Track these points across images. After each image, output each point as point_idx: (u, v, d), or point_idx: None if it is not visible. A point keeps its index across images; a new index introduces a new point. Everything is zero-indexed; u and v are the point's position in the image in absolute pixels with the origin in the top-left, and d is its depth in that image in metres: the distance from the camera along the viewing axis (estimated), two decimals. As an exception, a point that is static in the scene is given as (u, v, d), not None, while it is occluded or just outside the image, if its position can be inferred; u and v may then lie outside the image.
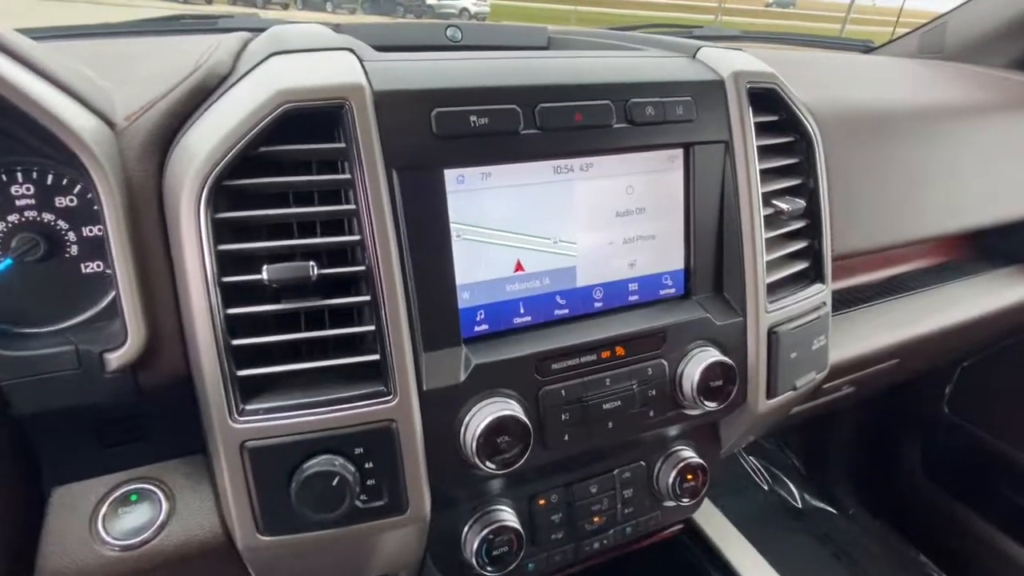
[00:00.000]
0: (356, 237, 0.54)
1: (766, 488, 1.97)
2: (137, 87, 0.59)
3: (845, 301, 1.06)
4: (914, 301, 1.08)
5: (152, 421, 0.61)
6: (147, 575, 0.58)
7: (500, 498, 0.69)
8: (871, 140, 0.96)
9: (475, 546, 0.65)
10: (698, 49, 0.73)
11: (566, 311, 0.66)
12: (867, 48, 1.61)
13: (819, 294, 0.79)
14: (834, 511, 1.90)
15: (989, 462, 1.60)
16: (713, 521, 0.90)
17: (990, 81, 1.25)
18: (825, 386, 1.03)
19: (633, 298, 0.70)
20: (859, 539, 1.80)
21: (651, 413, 0.68)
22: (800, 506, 1.91)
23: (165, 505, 0.61)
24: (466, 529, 0.66)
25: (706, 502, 0.93)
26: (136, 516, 0.60)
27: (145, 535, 0.59)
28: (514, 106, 0.58)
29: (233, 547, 0.59)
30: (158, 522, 0.60)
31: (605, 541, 0.75)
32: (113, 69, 0.67)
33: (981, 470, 1.65)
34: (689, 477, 0.75)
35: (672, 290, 0.72)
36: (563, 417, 0.63)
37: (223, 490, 0.55)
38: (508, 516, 0.67)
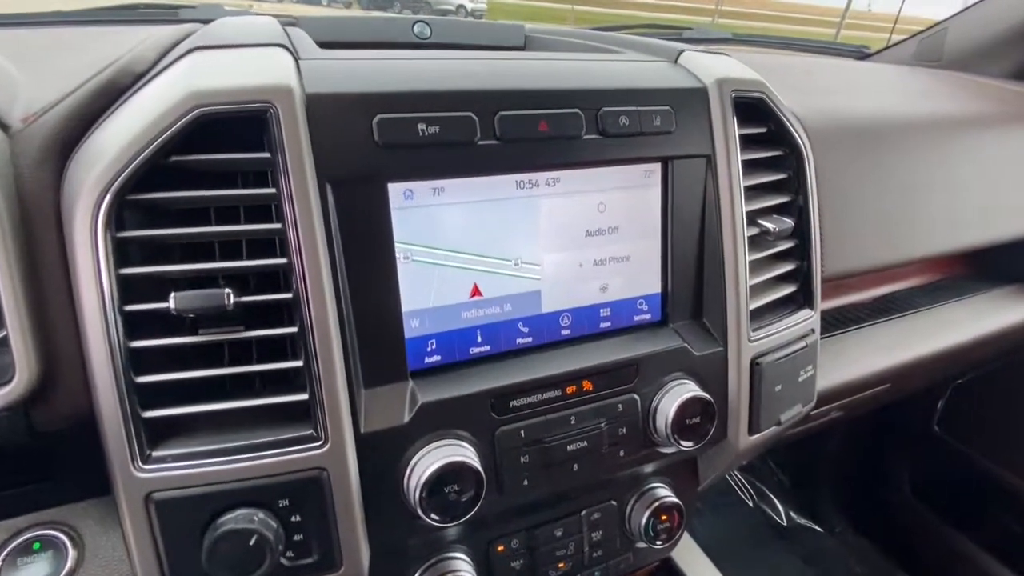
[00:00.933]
0: (282, 260, 0.47)
1: (751, 504, 1.92)
2: (51, 83, 0.52)
3: (834, 321, 1.00)
4: (907, 323, 1.02)
5: (59, 458, 0.54)
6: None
7: (455, 545, 0.63)
8: (865, 153, 0.91)
9: (423, 601, 0.58)
10: (680, 53, 0.67)
11: (530, 340, 0.60)
12: (862, 54, 1.56)
13: (807, 320, 0.73)
14: (820, 529, 1.85)
15: (980, 483, 1.56)
16: (690, 558, 0.84)
17: (990, 91, 1.20)
18: (813, 412, 0.97)
19: (605, 324, 0.64)
20: (844, 559, 1.76)
21: (621, 453, 0.62)
22: (785, 523, 1.87)
23: (72, 553, 0.54)
24: (415, 580, 0.60)
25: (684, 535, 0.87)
26: (38, 568, 0.53)
27: (47, 589, 0.52)
28: (470, 113, 0.52)
29: None
30: (64, 573, 0.53)
31: (570, 587, 0.69)
32: (39, 61, 0.61)
33: (972, 491, 1.60)
34: (664, 517, 0.69)
35: (647, 316, 0.65)
36: (522, 460, 0.57)
37: (128, 546, 0.48)
38: (463, 566, 0.61)
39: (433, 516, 0.51)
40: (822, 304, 1.03)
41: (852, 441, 1.81)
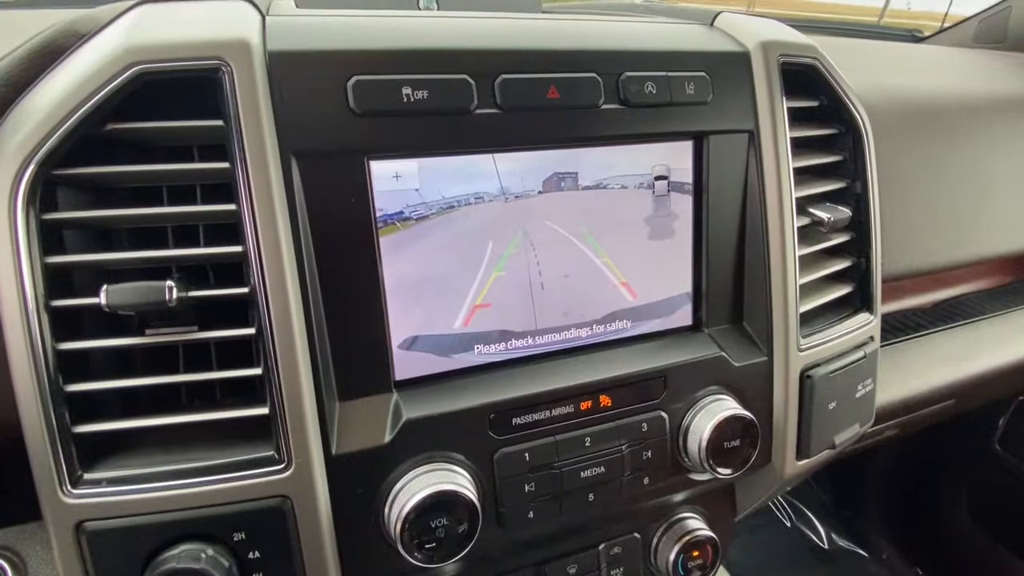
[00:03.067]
0: (236, 248, 0.39)
1: (788, 525, 1.79)
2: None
3: (891, 329, 0.89)
4: (974, 331, 0.91)
5: (5, 476, 0.48)
6: None
7: (451, 580, 0.54)
8: (930, 137, 0.80)
9: (413, 647, 0.50)
10: (717, 15, 0.58)
11: (536, 347, 0.52)
12: (915, 37, 1.44)
13: (866, 326, 0.63)
14: (865, 554, 1.71)
15: (1047, 509, 1.40)
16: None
17: (1066, 72, 1.07)
18: (869, 431, 0.86)
19: (627, 331, 0.54)
20: (892, 588, 1.61)
21: (646, 481, 0.53)
22: (827, 547, 1.73)
23: (12, 583, 0.47)
24: (402, 623, 0.52)
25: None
26: (-29, 599, 0.47)
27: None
28: (464, 76, 0.43)
29: None
30: (-2, 610, 0.46)
31: (587, 633, 0.60)
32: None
33: (1037, 517, 1.45)
34: (696, 553, 0.60)
35: (678, 321, 0.56)
36: (527, 489, 0.48)
37: (61, 582, 0.41)
38: (458, 607, 0.53)
39: (416, 555, 0.43)
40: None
41: (902, 458, 1.66)
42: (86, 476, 0.39)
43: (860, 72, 0.82)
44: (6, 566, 0.48)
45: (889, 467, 1.69)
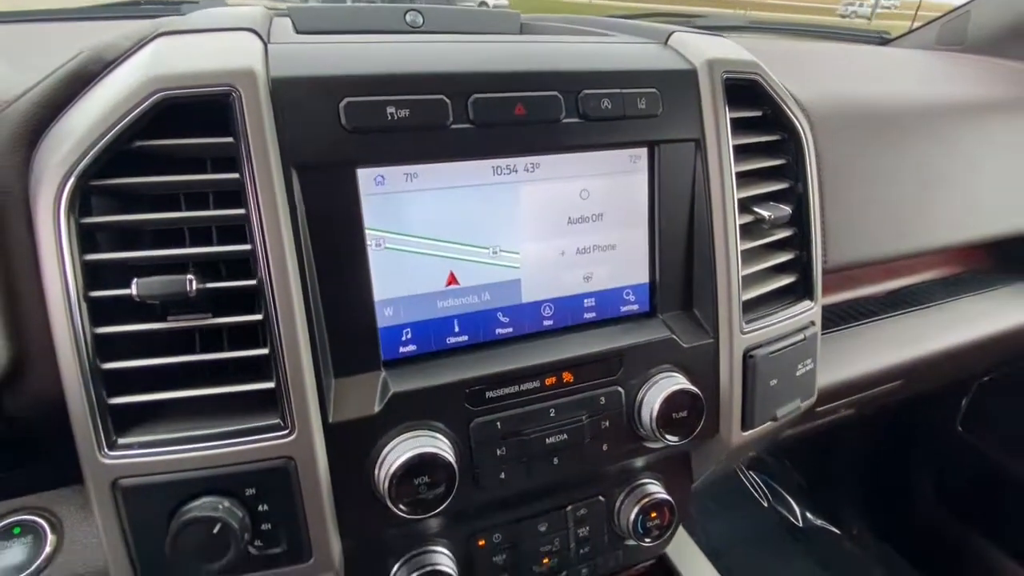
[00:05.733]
0: (246, 246, 0.46)
1: (765, 505, 1.88)
2: (30, 73, 0.52)
3: (845, 315, 0.96)
4: (921, 317, 0.98)
5: (40, 445, 0.55)
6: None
7: (435, 538, 0.62)
8: (877, 139, 0.87)
9: (401, 593, 0.57)
10: (671, 34, 0.65)
11: (510, 330, 0.59)
12: (882, 40, 1.50)
13: (806, 312, 0.70)
14: (837, 531, 1.80)
15: (1007, 487, 1.49)
16: (689, 558, 0.81)
17: (1015, 75, 1.14)
18: (819, 409, 0.94)
19: (590, 315, 0.62)
20: (863, 563, 1.70)
21: (605, 447, 0.60)
22: (801, 525, 1.82)
23: (51, 538, 0.54)
24: (392, 574, 0.59)
25: (681, 533, 0.84)
26: (16, 552, 0.54)
27: (26, 573, 0.52)
28: (442, 96, 0.50)
29: None
30: (42, 557, 0.53)
31: (556, 584, 0.67)
32: (25, 54, 0.61)
33: (998, 495, 1.53)
34: (653, 515, 0.67)
35: (635, 307, 0.63)
36: (498, 453, 0.55)
37: (99, 531, 0.48)
38: (443, 560, 0.60)
39: (402, 507, 0.50)
40: (831, 297, 1.00)
41: (871, 440, 1.75)
42: (120, 441, 0.46)
43: (814, 81, 0.90)
44: (44, 524, 0.55)
45: (859, 449, 1.78)
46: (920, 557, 1.66)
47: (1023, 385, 1.42)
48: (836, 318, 0.95)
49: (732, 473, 1.95)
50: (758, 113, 0.66)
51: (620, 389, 0.59)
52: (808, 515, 1.83)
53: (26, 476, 0.56)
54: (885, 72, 1.11)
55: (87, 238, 0.45)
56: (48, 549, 0.54)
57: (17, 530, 0.54)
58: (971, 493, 1.58)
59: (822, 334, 0.90)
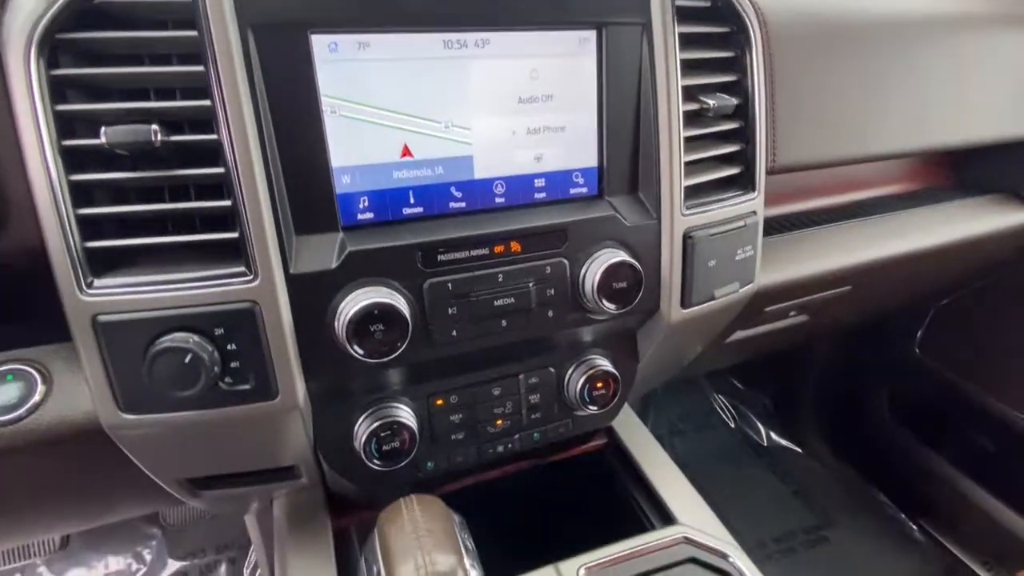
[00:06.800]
0: (205, 102, 0.50)
1: (732, 426, 1.98)
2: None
3: (797, 224, 1.01)
4: (872, 224, 1.03)
5: (29, 301, 0.60)
6: (17, 454, 0.57)
7: (397, 395, 0.68)
8: (831, 46, 0.89)
9: (363, 439, 0.64)
10: (623, -80, 0.66)
11: (463, 205, 0.63)
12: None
13: (748, 202, 0.74)
14: (799, 450, 1.90)
15: (957, 404, 1.58)
16: (634, 434, 0.88)
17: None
18: (768, 309, 0.99)
19: (540, 195, 0.66)
20: (821, 479, 1.81)
21: (550, 314, 0.65)
22: (766, 444, 1.92)
23: (40, 387, 0.59)
24: (357, 423, 0.65)
25: (631, 416, 0.91)
26: (8, 393, 0.59)
27: (17, 413, 0.58)
28: None
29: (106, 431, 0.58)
30: (31, 402, 0.59)
31: (510, 445, 0.74)
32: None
33: (948, 412, 1.63)
34: (599, 385, 0.73)
35: (584, 189, 0.68)
36: (450, 312, 0.61)
37: (83, 366, 0.53)
38: (403, 413, 0.66)
39: (359, 350, 0.55)
40: (785, 207, 1.05)
41: (834, 365, 1.83)
42: (97, 282, 0.51)
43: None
44: (35, 373, 0.60)
45: (822, 374, 1.86)
46: (874, 470, 1.77)
47: (978, 310, 1.49)
48: (789, 225, 1.00)
49: (702, 395, 2.04)
50: (706, 4, 0.69)
51: (565, 261, 0.64)
52: (772, 435, 1.93)
53: (17, 331, 0.60)
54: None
55: (58, 91, 0.48)
56: (37, 398, 0.60)
57: (10, 377, 0.60)
58: (926, 412, 1.68)
59: (771, 237, 0.95)
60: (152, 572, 1.41)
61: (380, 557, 0.46)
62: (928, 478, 1.64)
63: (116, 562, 1.42)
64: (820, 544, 1.59)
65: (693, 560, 0.71)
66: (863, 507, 1.71)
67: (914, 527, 1.64)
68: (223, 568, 1.42)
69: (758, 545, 1.57)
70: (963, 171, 1.22)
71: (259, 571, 1.41)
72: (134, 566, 1.42)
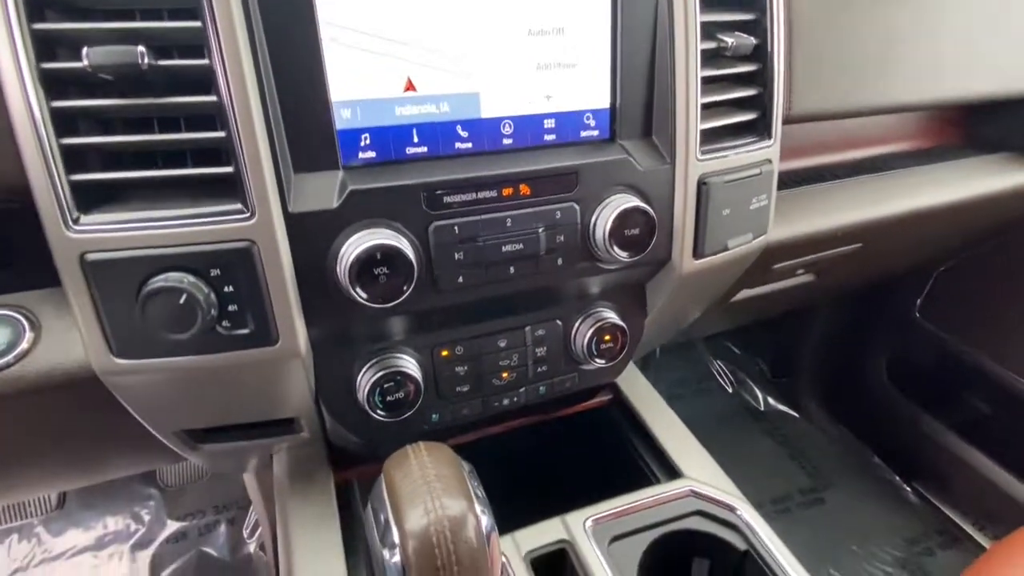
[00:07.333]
0: (196, 23, 0.46)
1: (730, 391, 1.99)
2: None
3: (808, 179, 0.98)
4: (883, 180, 1.00)
5: (17, 247, 0.57)
6: (5, 403, 0.55)
7: (401, 346, 0.66)
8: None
9: (367, 390, 0.62)
10: None
11: (469, 145, 0.60)
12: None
13: (764, 149, 0.71)
14: (796, 415, 1.91)
15: (954, 368, 1.58)
16: (639, 391, 0.87)
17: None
18: (776, 267, 0.98)
19: (550, 137, 0.63)
20: (817, 442, 1.83)
21: (560, 261, 0.63)
22: (763, 408, 1.93)
23: (28, 334, 0.57)
24: (360, 373, 0.63)
25: (636, 373, 0.90)
26: (-2, 338, 0.57)
27: (4, 360, 0.55)
28: None
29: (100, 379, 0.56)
30: (19, 349, 0.56)
31: (516, 398, 0.72)
32: None
33: (946, 377, 1.63)
34: (607, 338, 0.71)
35: (595, 132, 0.64)
36: (456, 257, 0.58)
37: (72, 309, 0.51)
38: (407, 363, 0.64)
39: (361, 292, 0.53)
40: (797, 162, 1.02)
41: (833, 330, 1.83)
42: (83, 218, 0.48)
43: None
44: (22, 319, 0.58)
45: (821, 339, 1.86)
46: (870, 433, 1.79)
47: (980, 274, 1.48)
48: (800, 181, 0.97)
49: (701, 361, 2.04)
50: (727, -65, 0.65)
51: (576, 206, 0.62)
52: (770, 400, 1.94)
53: (3, 277, 0.58)
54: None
55: (35, 8, 0.44)
56: (25, 345, 0.57)
57: (-4, 323, 0.57)
58: (924, 376, 1.68)
59: (782, 192, 0.92)
60: (150, 532, 1.41)
61: (388, 503, 0.45)
62: (923, 441, 1.66)
63: (114, 522, 1.41)
64: (816, 505, 1.61)
65: (700, 513, 0.71)
66: (858, 470, 1.73)
67: (908, 488, 1.66)
68: (222, 528, 1.42)
69: (755, 506, 1.58)
70: (974, 129, 1.19)
71: (259, 531, 1.41)
72: (132, 526, 1.41)
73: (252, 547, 1.38)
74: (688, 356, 2.02)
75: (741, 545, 0.68)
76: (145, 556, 1.36)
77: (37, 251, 0.52)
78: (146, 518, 1.43)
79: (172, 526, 1.43)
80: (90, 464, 0.86)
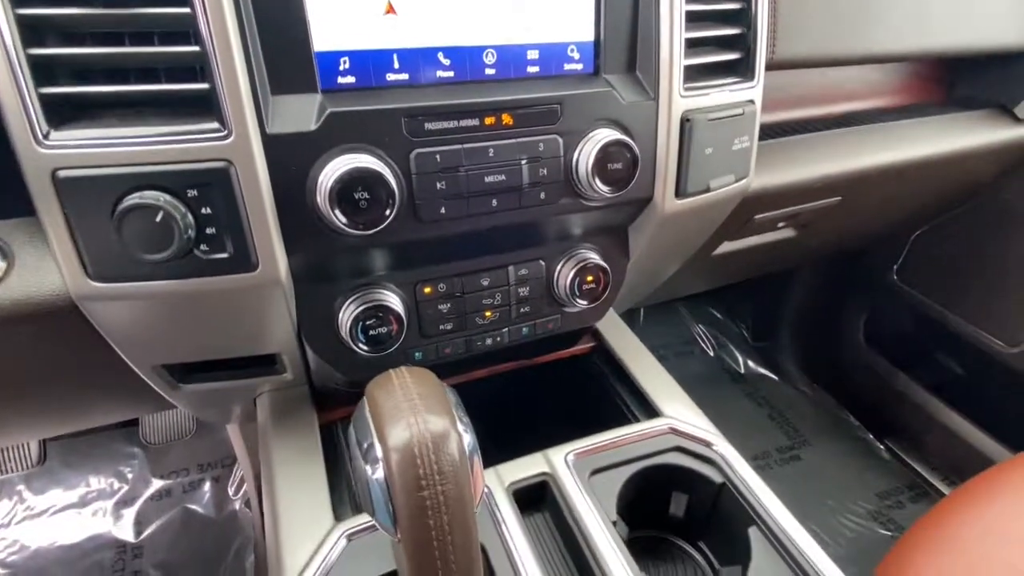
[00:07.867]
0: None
1: (712, 355, 2.02)
2: None
3: (788, 131, 0.99)
4: (864, 134, 1.01)
5: None
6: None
7: (384, 281, 0.65)
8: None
9: (349, 324, 0.62)
10: None
11: (451, 74, 0.59)
12: None
13: (747, 90, 0.71)
14: (775, 377, 1.95)
15: (929, 329, 1.62)
16: (621, 337, 0.88)
17: None
18: (758, 217, 0.99)
19: (533, 69, 0.62)
20: (795, 403, 1.87)
21: (542, 195, 0.63)
22: (743, 371, 1.96)
23: (0, 263, 0.56)
24: (343, 307, 0.63)
25: (618, 321, 0.91)
26: (-32, 269, 0.55)
27: (-22, 287, 0.54)
28: None
29: (78, 308, 0.55)
30: (-5, 273, 0.55)
31: (499, 338, 0.73)
32: None
33: (922, 338, 1.67)
34: (589, 279, 0.72)
35: (579, 66, 0.64)
36: (438, 186, 0.58)
37: (46, 231, 0.50)
38: (390, 298, 0.64)
39: (340, 218, 0.52)
40: (778, 115, 1.02)
41: (812, 293, 1.86)
42: (54, 133, 0.47)
43: None
44: (-6, 247, 0.56)
45: (801, 303, 1.89)
46: (847, 393, 1.83)
47: (954, 238, 1.51)
48: (782, 132, 0.98)
49: (682, 325, 2.06)
50: None
51: (559, 138, 0.61)
52: (750, 363, 1.98)
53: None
54: None
55: None
56: (-1, 272, 0.56)
57: (-34, 251, 0.56)
58: (900, 338, 1.72)
59: (765, 142, 0.93)
60: (134, 490, 1.41)
61: (370, 421, 0.45)
62: (898, 400, 1.70)
63: (97, 481, 1.41)
64: (792, 462, 1.65)
65: (678, 449, 0.72)
66: (834, 429, 1.78)
67: (881, 446, 1.71)
68: (207, 486, 1.42)
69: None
70: (954, 87, 1.20)
71: (244, 488, 1.41)
72: (116, 484, 1.41)
73: (237, 504, 1.39)
74: (671, 320, 2.05)
75: (718, 478, 0.69)
76: (130, 513, 1.36)
77: (7, 180, 0.51)
78: (129, 476, 1.43)
79: (156, 484, 1.43)
80: (70, 409, 0.85)
